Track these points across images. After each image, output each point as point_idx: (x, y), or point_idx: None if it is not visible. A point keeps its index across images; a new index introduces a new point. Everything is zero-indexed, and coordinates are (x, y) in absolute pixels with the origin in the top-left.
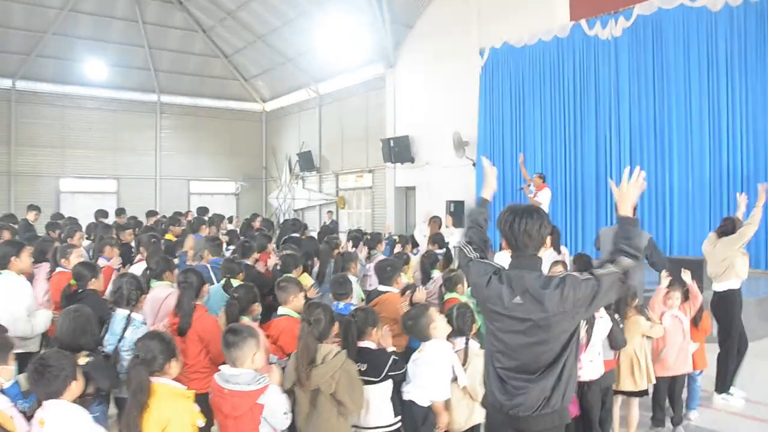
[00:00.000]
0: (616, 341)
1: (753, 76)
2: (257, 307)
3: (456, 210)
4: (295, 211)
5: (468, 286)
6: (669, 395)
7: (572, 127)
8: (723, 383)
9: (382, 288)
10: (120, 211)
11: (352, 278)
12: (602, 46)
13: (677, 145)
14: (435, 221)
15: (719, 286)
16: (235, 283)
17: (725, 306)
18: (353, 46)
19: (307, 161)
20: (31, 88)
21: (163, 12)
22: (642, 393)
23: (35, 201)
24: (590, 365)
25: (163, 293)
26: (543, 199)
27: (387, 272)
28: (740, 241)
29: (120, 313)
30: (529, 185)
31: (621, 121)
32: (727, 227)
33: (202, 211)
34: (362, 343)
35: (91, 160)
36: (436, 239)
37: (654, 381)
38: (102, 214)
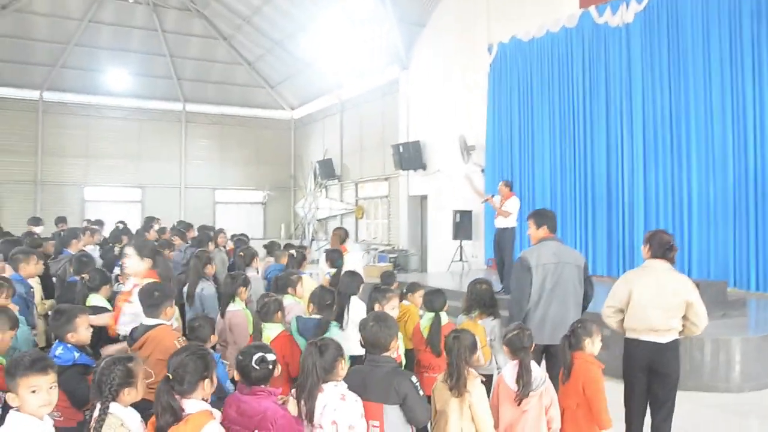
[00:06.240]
0: (414, 416)
1: None
2: None
3: (462, 220)
4: (318, 220)
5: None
6: None
7: (582, 125)
8: None
9: (149, 321)
10: (60, 220)
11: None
12: (613, 34)
13: (696, 146)
14: (337, 234)
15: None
16: None
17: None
18: (367, 48)
19: (327, 169)
20: (58, 99)
21: (181, 20)
22: None
23: (61, 210)
24: None
25: None
26: (511, 208)
27: (154, 299)
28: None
29: None
30: (493, 196)
31: (634, 118)
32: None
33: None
34: None
35: (116, 169)
36: (330, 256)
37: None
38: (34, 221)
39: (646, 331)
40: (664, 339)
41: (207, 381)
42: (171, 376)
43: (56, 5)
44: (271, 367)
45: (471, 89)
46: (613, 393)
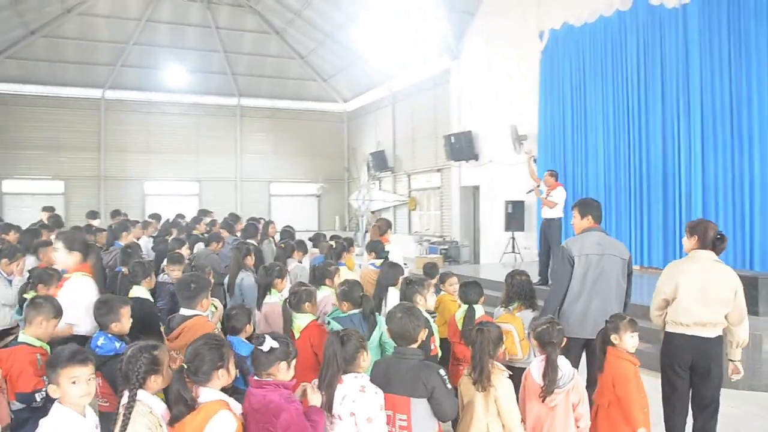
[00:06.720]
0: (442, 410)
1: None
2: None
3: (514, 211)
4: (372, 212)
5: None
6: None
7: (637, 112)
8: None
9: (186, 312)
10: (115, 213)
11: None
12: (669, 16)
13: (759, 133)
14: (377, 225)
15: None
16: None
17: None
18: (417, 39)
19: (380, 161)
20: (119, 97)
21: (235, 16)
22: None
23: (123, 204)
24: None
25: None
26: (557, 198)
27: (191, 290)
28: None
29: None
30: (538, 186)
31: (692, 104)
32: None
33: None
34: None
35: (175, 163)
36: (374, 247)
37: None
38: (91, 215)
39: (693, 325)
40: (711, 333)
41: (222, 371)
42: (186, 366)
43: (116, 6)
44: (263, 348)
45: (522, 77)
46: (658, 390)
